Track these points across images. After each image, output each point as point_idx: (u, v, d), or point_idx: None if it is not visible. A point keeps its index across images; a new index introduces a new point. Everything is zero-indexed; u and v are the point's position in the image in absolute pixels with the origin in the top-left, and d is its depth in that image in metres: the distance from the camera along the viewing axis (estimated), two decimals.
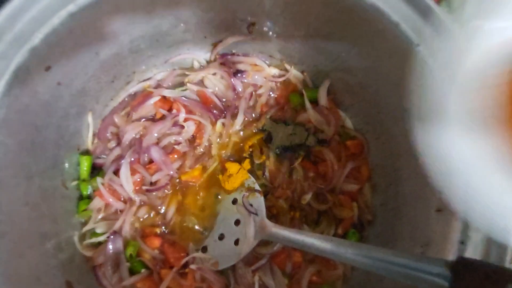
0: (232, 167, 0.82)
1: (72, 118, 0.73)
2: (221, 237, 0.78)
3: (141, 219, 0.78)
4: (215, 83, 0.85)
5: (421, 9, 0.58)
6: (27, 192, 0.62)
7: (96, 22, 0.60)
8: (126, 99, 0.83)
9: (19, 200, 0.59)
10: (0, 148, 0.54)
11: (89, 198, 0.78)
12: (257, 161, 0.83)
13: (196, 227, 0.80)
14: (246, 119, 0.85)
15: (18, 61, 0.52)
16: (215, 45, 0.84)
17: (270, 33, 0.79)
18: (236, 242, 0.76)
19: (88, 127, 0.78)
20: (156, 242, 0.76)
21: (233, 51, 0.86)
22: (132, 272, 0.75)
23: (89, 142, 0.79)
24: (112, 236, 0.75)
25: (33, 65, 0.55)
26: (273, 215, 0.80)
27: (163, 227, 0.79)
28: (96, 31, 0.62)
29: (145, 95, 0.83)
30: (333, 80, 0.84)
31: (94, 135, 0.80)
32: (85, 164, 0.78)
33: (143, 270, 0.75)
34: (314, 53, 0.80)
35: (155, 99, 0.82)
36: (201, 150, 0.83)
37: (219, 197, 0.81)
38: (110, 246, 0.74)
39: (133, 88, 0.83)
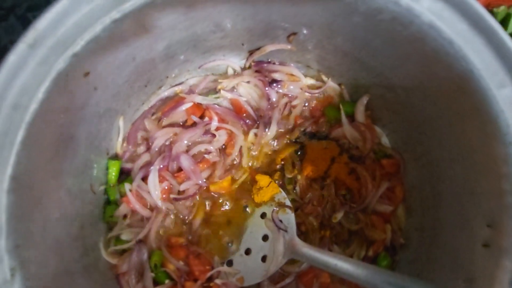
0: (263, 180, 0.79)
1: (104, 122, 0.71)
2: (248, 251, 0.76)
3: (167, 228, 0.77)
4: (249, 91, 0.83)
5: (484, 31, 0.54)
6: (59, 195, 0.61)
7: (137, 28, 0.58)
8: (157, 103, 0.81)
9: (51, 202, 0.58)
10: (36, 150, 0.52)
11: (116, 203, 0.77)
12: (288, 175, 0.80)
13: (222, 239, 0.78)
14: (279, 130, 0.82)
15: (59, 67, 0.51)
16: (251, 53, 0.81)
17: (311, 44, 0.76)
18: (263, 259, 0.74)
19: (119, 131, 0.77)
20: (182, 253, 0.74)
21: (269, 59, 0.83)
22: (155, 282, 0.73)
23: (118, 146, 0.78)
24: (137, 245, 0.73)
25: (73, 71, 0.53)
26: (302, 233, 0.77)
27: (189, 237, 0.77)
28: (136, 37, 0.60)
29: (177, 100, 0.80)
30: (372, 96, 0.80)
31: (123, 139, 0.78)
32: (113, 169, 0.76)
33: (167, 281, 0.73)
34: (355, 67, 0.77)
35: (187, 105, 0.80)
36: (232, 160, 0.80)
37: (248, 210, 0.79)
38: (135, 255, 0.72)
39: (164, 92, 0.81)
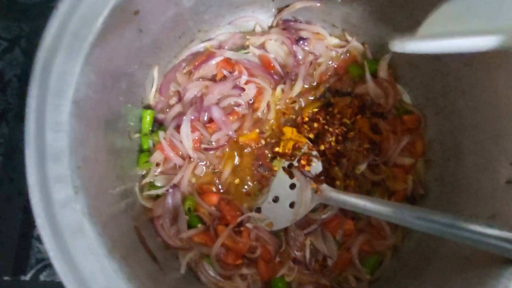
0: (289, 132, 0.82)
1: (142, 70, 0.73)
2: (276, 199, 0.79)
3: (198, 177, 0.80)
4: (276, 48, 0.86)
5: None
6: (104, 140, 0.63)
7: None
8: (188, 57, 0.83)
9: (100, 147, 0.61)
10: (90, 80, 0.55)
11: (149, 151, 0.79)
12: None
13: (250, 189, 0.81)
14: (304, 86, 0.85)
15: (115, 1, 0.53)
16: (280, 10, 0.84)
17: (339, 1, 0.79)
18: (291, 205, 0.78)
19: (152, 81, 0.79)
20: (214, 199, 0.77)
21: (296, 18, 0.86)
22: (189, 226, 0.76)
23: (151, 96, 0.80)
24: (171, 190, 0.76)
25: (126, 6, 0.55)
26: (327, 183, 0.81)
27: (219, 186, 0.80)
28: None
29: (208, 54, 0.83)
30: (395, 54, 0.84)
31: (156, 90, 0.81)
32: (147, 118, 0.79)
33: (199, 225, 0.76)
34: (380, 24, 0.80)
35: (217, 59, 0.82)
36: (260, 114, 0.83)
37: (274, 161, 0.82)
38: (170, 199, 0.75)
39: (196, 47, 0.84)
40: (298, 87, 0.84)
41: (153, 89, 0.80)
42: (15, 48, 1.01)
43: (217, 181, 0.80)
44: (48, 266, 0.93)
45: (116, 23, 0.55)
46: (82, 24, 0.51)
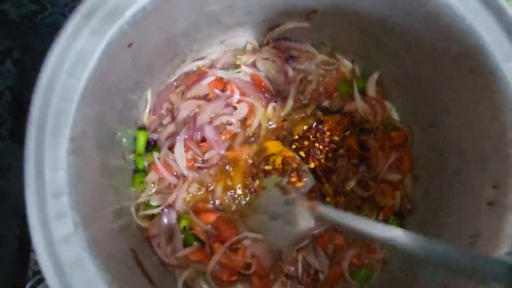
0: (273, 145, 0.83)
1: (136, 92, 0.75)
2: (272, 217, 0.81)
3: (193, 195, 0.81)
4: (267, 67, 0.87)
5: (494, 9, 0.60)
6: (100, 162, 0.65)
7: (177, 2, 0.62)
8: (181, 76, 0.85)
9: (94, 169, 0.62)
10: (86, 115, 0.56)
11: (144, 171, 0.81)
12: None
13: (244, 207, 0.83)
14: (295, 104, 0.87)
15: (109, 37, 0.54)
16: (270, 29, 0.85)
17: (328, 21, 0.81)
18: (286, 223, 0.80)
19: (146, 102, 0.81)
20: (211, 217, 0.79)
21: (286, 37, 0.87)
22: (184, 244, 0.78)
23: (145, 117, 0.82)
24: (166, 210, 0.78)
25: (120, 41, 0.56)
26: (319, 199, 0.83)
27: (215, 203, 0.82)
28: (172, 11, 0.64)
29: (200, 74, 0.84)
30: (382, 72, 0.86)
31: (149, 110, 0.82)
32: (141, 139, 0.80)
33: (195, 243, 0.78)
34: (368, 44, 0.82)
35: (209, 79, 0.84)
36: (251, 131, 0.85)
37: (266, 177, 0.84)
38: (165, 219, 0.77)
39: (187, 66, 0.85)
40: (289, 106, 0.86)
41: (147, 110, 0.81)
42: (6, 61, 1.01)
43: (211, 199, 0.82)
44: None
45: (110, 57, 0.56)
46: (77, 63, 0.53)
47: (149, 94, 0.80)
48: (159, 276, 0.73)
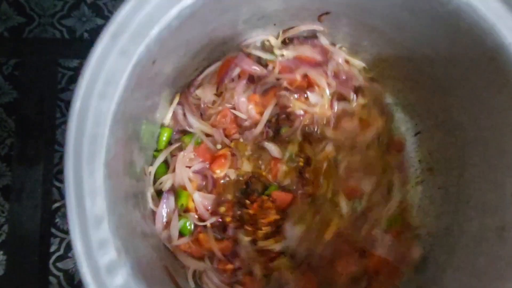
0: None
1: (157, 96, 0.74)
2: None
3: None
4: None
5: None
6: (128, 184, 0.64)
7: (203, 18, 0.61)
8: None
9: (125, 191, 0.61)
10: (116, 136, 0.55)
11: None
12: None
13: None
14: None
15: (137, 57, 0.53)
16: (284, 32, 0.84)
17: (340, 22, 0.80)
18: None
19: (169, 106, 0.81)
20: None
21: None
22: None
23: (168, 116, 0.82)
24: None
25: (146, 59, 0.55)
26: None
27: None
28: (197, 26, 0.63)
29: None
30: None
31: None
32: (165, 135, 0.80)
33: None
34: (380, 42, 0.82)
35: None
36: None
37: None
38: None
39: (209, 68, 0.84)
40: None
41: (169, 114, 0.81)
42: None
43: None
44: None
45: (137, 77, 0.55)
46: (107, 85, 0.51)
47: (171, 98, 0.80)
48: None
